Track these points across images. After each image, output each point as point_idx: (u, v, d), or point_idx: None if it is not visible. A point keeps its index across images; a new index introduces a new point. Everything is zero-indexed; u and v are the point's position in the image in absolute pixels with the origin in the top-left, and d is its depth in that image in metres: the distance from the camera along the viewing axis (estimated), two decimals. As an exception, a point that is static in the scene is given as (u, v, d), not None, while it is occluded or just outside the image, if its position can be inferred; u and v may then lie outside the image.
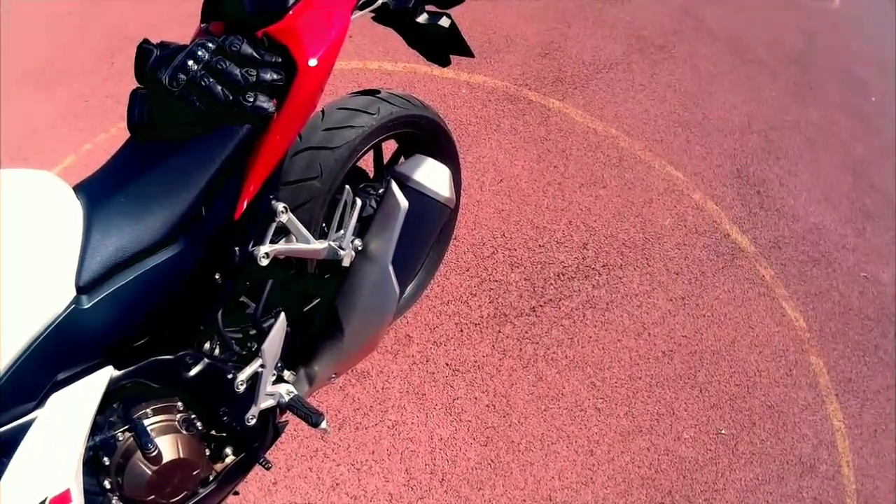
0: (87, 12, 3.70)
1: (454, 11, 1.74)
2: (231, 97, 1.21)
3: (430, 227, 1.80)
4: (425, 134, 1.99)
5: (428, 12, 1.75)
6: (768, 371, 2.67)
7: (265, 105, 1.23)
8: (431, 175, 1.70)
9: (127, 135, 1.31)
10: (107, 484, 1.27)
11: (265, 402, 1.57)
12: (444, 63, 1.90)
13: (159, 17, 3.66)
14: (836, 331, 2.90)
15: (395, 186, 1.64)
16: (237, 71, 1.21)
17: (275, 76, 1.25)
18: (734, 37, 4.40)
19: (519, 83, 3.59)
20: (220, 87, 1.20)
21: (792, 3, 4.98)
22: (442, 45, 1.84)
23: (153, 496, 1.33)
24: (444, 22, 1.76)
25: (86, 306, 1.11)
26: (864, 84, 4.38)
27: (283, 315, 1.52)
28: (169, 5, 3.72)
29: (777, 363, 2.71)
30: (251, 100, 1.22)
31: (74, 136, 3.01)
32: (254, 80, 1.22)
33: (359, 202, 1.64)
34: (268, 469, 1.66)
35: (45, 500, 1.07)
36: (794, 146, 3.73)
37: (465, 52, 1.86)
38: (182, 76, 1.19)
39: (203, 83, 1.19)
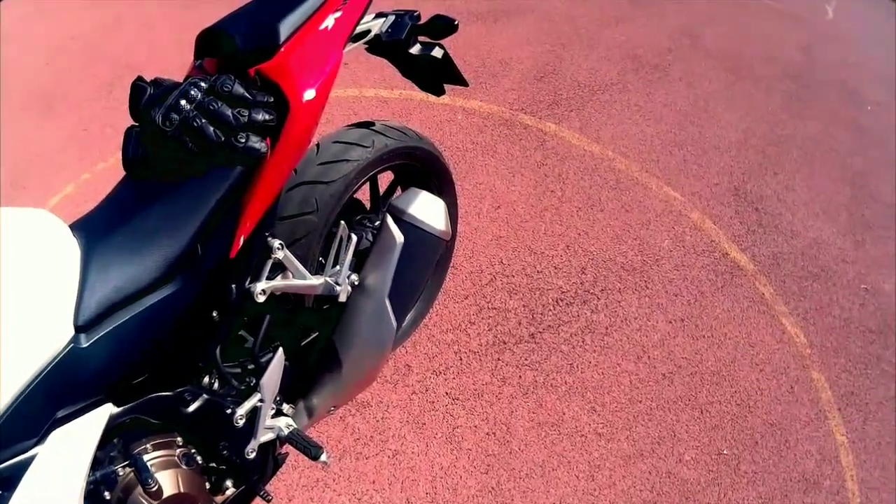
0: (91, 38, 3.76)
1: (447, 39, 1.76)
2: (223, 138, 1.20)
3: (426, 261, 1.80)
4: (421, 165, 2.00)
5: (421, 43, 1.77)
6: (769, 389, 2.67)
7: (257, 146, 1.22)
8: (426, 209, 1.71)
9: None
10: None
11: (265, 436, 1.57)
12: (439, 93, 1.91)
13: (162, 43, 3.70)
14: (837, 345, 2.90)
15: (390, 221, 1.65)
16: (229, 112, 1.20)
17: (266, 116, 1.24)
18: (729, 53, 4.41)
19: (514, 108, 3.61)
20: (212, 128, 1.19)
21: (786, 16, 5.00)
22: (435, 75, 1.86)
23: (155, 530, 1.33)
24: (437, 52, 1.78)
25: (84, 345, 1.12)
26: (860, 94, 4.39)
27: (280, 350, 1.52)
28: (171, 32, 3.77)
29: (778, 381, 2.70)
30: (243, 140, 1.20)
31: (74, 164, 3.04)
32: (246, 120, 1.22)
33: (354, 238, 1.64)
34: (268, 501, 1.65)
35: (47, 534, 1.07)
36: (791, 160, 3.73)
37: (459, 81, 1.88)
38: (175, 116, 1.18)
39: (195, 123, 1.18)
